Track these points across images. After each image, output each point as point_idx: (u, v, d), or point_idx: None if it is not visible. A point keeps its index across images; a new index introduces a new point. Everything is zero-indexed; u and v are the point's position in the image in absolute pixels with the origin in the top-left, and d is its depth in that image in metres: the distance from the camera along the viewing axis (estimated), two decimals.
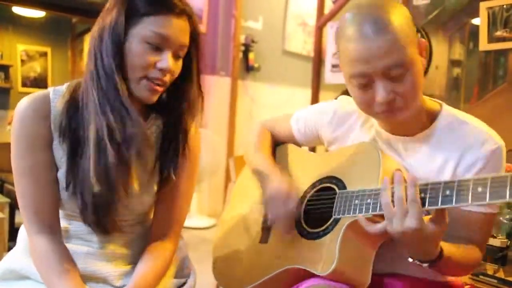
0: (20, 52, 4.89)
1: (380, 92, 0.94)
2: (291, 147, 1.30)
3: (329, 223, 1.00)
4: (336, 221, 0.98)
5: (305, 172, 1.18)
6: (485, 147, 0.98)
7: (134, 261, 1.07)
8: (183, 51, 0.98)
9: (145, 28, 0.92)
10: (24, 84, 4.88)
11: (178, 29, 0.95)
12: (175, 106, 1.04)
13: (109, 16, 0.93)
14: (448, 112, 1.04)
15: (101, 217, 0.98)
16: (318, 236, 1.01)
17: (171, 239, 1.09)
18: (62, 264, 0.96)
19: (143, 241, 1.09)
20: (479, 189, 0.76)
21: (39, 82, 4.82)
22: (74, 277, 0.95)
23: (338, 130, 1.17)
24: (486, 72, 3.27)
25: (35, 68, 5.04)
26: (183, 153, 1.06)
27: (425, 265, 0.91)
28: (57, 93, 0.99)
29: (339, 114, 1.17)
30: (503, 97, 2.36)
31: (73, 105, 0.97)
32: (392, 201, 0.86)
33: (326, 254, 0.96)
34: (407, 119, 0.99)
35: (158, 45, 0.93)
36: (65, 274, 0.94)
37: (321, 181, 1.11)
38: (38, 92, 0.99)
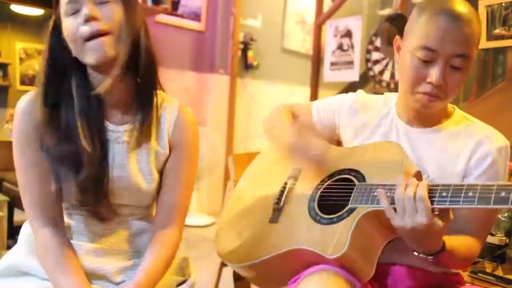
0: (18, 50, 4.88)
1: (436, 73, 1.01)
2: None
3: (344, 210, 1.01)
4: (352, 210, 1.00)
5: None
6: (494, 143, 1.07)
7: (135, 256, 1.07)
8: None
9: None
10: (22, 82, 4.87)
11: None
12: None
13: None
14: (460, 113, 1.16)
15: (95, 203, 1.00)
16: (331, 221, 1.01)
17: (175, 227, 1.09)
18: (66, 259, 0.96)
19: (146, 237, 1.10)
20: (487, 195, 0.81)
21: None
22: (78, 272, 0.96)
23: (357, 117, 1.22)
24: (485, 70, 3.27)
25: (34, 66, 5.02)
26: (176, 138, 1.09)
27: (430, 257, 0.96)
28: None
29: (359, 102, 1.24)
30: (502, 95, 2.36)
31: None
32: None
33: (337, 238, 0.96)
34: (432, 112, 1.10)
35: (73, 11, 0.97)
36: (69, 269, 0.95)
37: (340, 172, 1.12)
38: (33, 90, 1.01)
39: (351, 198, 1.01)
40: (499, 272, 1.45)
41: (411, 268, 1.10)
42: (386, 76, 3.13)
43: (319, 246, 0.99)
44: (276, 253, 1.07)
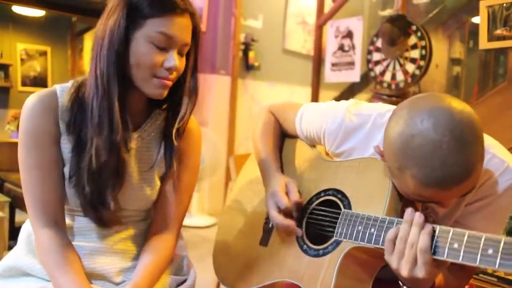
0: (20, 51, 4.88)
1: (446, 204, 0.90)
2: (300, 144, 1.24)
3: (329, 243, 0.98)
4: (337, 243, 0.96)
5: (311, 177, 1.14)
6: (500, 181, 0.95)
7: (136, 258, 1.07)
8: (187, 49, 1.01)
9: (150, 30, 0.94)
10: (24, 83, 4.86)
11: (181, 28, 0.96)
12: (174, 100, 1.06)
13: (112, 18, 0.94)
14: None
15: (100, 211, 1.00)
16: (317, 254, 0.99)
17: (172, 233, 1.09)
18: (66, 259, 0.96)
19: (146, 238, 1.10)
20: (489, 251, 0.71)
21: (39, 81, 4.81)
22: (78, 272, 0.96)
23: (343, 146, 1.09)
24: (486, 70, 3.28)
25: (35, 67, 5.03)
26: (180, 146, 1.08)
27: None
28: (63, 89, 1.01)
29: (344, 129, 1.08)
30: (503, 96, 2.36)
31: (78, 101, 0.99)
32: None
33: (323, 276, 0.94)
34: None
35: (163, 45, 0.95)
36: (69, 269, 0.95)
37: (326, 192, 1.07)
38: (45, 89, 1.01)
39: (336, 229, 0.97)
40: (500, 273, 1.44)
41: None
42: (387, 77, 3.12)
43: (306, 282, 0.98)
44: (267, 283, 1.08)
